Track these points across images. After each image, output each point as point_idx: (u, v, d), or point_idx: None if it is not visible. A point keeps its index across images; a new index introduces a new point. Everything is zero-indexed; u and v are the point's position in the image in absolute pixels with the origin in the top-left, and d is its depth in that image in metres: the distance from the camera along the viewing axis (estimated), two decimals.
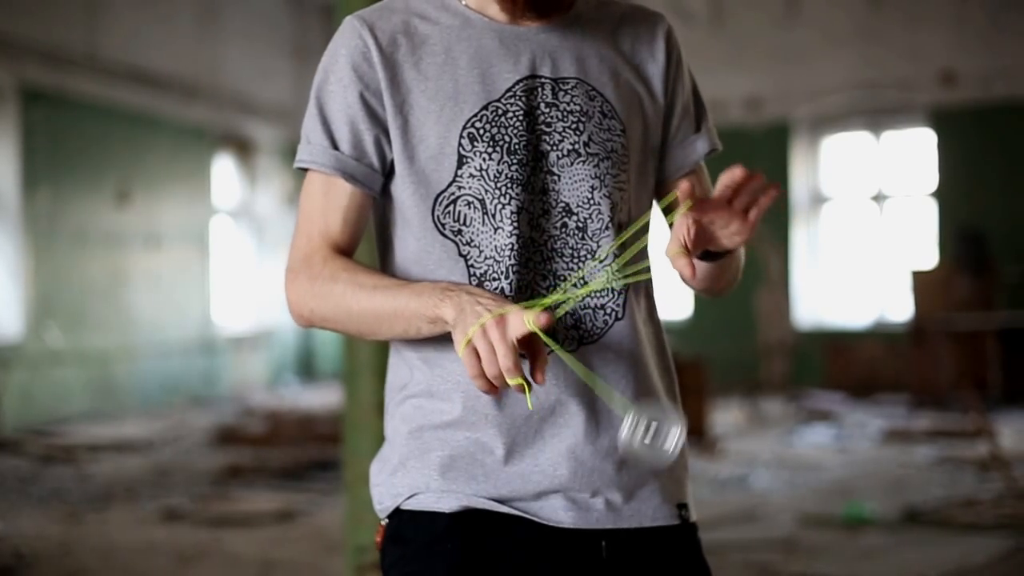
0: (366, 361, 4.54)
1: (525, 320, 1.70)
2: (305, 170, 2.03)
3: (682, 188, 1.76)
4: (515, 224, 1.92)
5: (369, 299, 1.89)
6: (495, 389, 1.73)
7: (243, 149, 16.50)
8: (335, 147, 1.98)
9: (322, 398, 14.42)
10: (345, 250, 2.00)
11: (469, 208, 1.94)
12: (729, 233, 1.84)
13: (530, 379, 1.74)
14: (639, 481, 1.98)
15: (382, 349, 4.46)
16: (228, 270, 16.27)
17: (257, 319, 16.70)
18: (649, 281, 2.05)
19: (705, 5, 15.02)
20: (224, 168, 16.23)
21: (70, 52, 13.02)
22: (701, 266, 2.00)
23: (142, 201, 14.15)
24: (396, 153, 1.96)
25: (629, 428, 1.73)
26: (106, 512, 7.99)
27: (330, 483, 8.76)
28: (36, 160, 12.58)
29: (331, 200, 1.99)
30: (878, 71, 14.42)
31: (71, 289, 13.07)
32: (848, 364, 14.26)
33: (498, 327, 1.71)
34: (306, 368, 17.59)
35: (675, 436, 1.74)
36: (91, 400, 13.19)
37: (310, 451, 10.06)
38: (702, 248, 1.85)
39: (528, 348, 1.73)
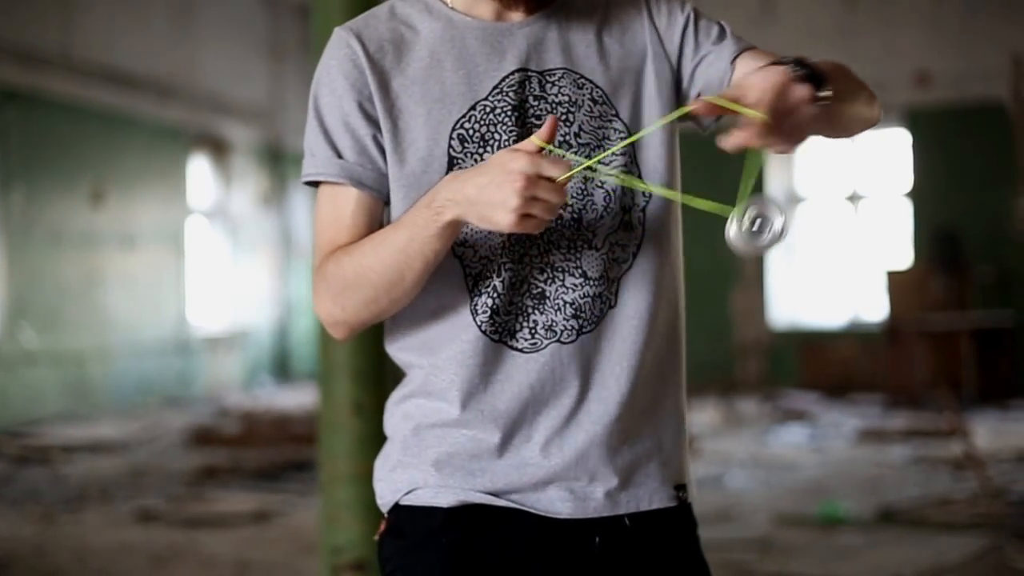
0: (341, 361, 4.52)
1: (534, 140, 1.73)
2: (314, 185, 2.03)
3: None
4: None
5: (378, 262, 1.88)
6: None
7: (218, 149, 16.46)
8: (339, 156, 1.97)
9: (297, 398, 14.40)
10: None
11: None
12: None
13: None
14: (636, 463, 1.99)
15: (357, 349, 4.45)
16: (203, 270, 16.22)
17: (232, 319, 16.67)
18: (662, 269, 2.03)
19: None
20: (199, 168, 16.19)
21: (44, 52, 12.97)
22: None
23: (117, 201, 14.10)
24: (388, 157, 1.96)
25: (736, 222, 1.74)
26: (81, 513, 7.97)
27: (305, 484, 8.75)
28: (10, 160, 12.52)
29: (340, 208, 1.98)
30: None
31: (45, 289, 13.02)
32: (823, 364, 14.30)
33: (528, 180, 1.71)
34: (281, 368, 17.56)
35: (780, 224, 1.74)
36: (66, 401, 13.14)
37: (285, 452, 10.05)
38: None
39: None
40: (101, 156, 13.87)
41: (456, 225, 1.82)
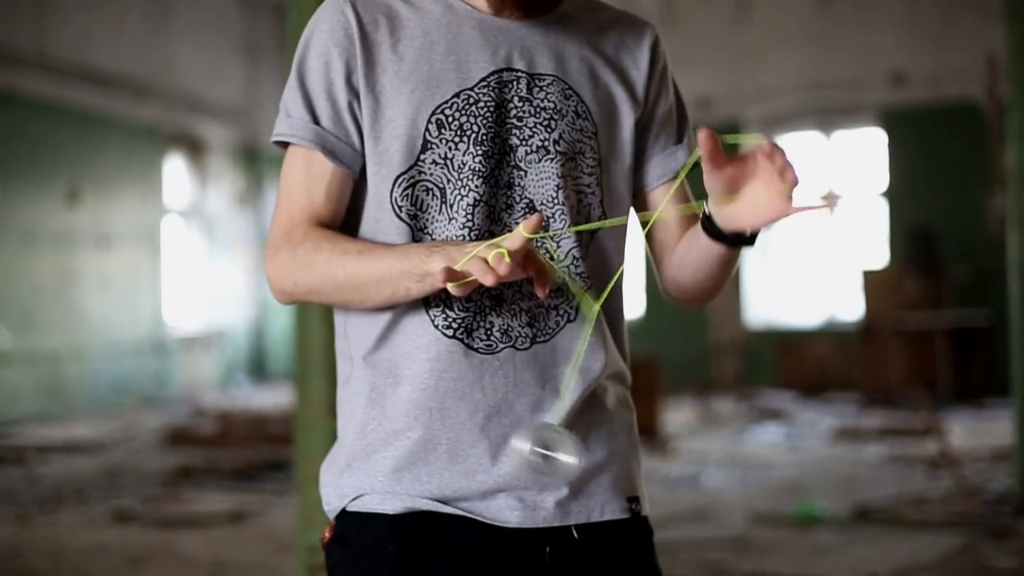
0: (318, 361, 4.52)
1: (521, 231, 1.69)
2: (284, 145, 2.00)
3: (701, 137, 1.71)
4: (469, 217, 1.90)
5: (355, 265, 1.86)
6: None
7: (194, 149, 16.43)
8: (316, 121, 1.95)
9: (273, 398, 14.38)
10: (328, 226, 1.96)
11: (428, 195, 1.92)
12: (763, 198, 1.77)
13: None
14: (587, 474, 1.97)
15: (334, 349, 4.44)
16: (179, 270, 16.19)
17: (208, 319, 16.64)
18: (617, 289, 2.03)
19: (656, 5, 15.05)
20: (175, 168, 16.17)
21: (19, 51, 12.93)
22: (706, 252, 1.95)
23: (92, 201, 14.06)
24: (365, 131, 1.94)
25: (526, 436, 1.81)
26: (56, 514, 7.94)
27: (282, 484, 8.74)
28: None
29: (313, 175, 1.95)
30: (829, 71, 14.50)
31: (21, 289, 12.98)
32: (799, 363, 14.34)
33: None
34: (257, 368, 17.53)
35: (568, 465, 1.80)
36: (41, 401, 13.10)
37: (262, 452, 10.03)
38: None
39: (527, 265, 1.73)
40: (77, 156, 13.83)
41: (434, 278, 1.79)
